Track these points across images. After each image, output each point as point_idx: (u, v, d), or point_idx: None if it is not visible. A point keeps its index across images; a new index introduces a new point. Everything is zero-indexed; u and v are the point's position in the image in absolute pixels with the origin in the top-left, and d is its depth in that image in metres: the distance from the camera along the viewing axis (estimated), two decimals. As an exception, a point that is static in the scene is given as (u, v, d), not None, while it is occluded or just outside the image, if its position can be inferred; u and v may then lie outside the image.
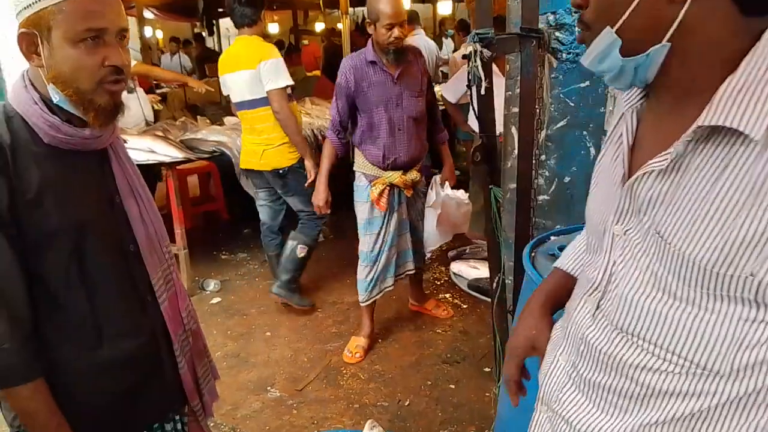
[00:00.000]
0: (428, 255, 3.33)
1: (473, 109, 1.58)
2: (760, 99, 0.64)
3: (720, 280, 0.67)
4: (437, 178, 3.16)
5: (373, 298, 3.12)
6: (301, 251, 3.48)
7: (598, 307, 0.84)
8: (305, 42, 11.06)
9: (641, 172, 0.75)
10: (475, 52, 1.50)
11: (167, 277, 1.34)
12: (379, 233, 3.02)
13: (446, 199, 3.13)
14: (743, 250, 0.64)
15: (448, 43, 8.35)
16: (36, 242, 1.08)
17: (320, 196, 3.01)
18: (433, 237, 3.19)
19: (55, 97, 1.09)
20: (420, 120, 2.90)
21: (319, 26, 10.96)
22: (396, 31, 2.62)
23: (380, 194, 2.95)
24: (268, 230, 3.69)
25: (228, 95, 3.46)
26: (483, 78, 1.50)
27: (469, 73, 1.53)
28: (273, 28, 11.39)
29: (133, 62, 4.28)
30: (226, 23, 7.75)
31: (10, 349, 1.06)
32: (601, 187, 0.88)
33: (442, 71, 6.15)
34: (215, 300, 3.84)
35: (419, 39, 5.28)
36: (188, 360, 1.41)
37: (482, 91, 1.52)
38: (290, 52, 8.83)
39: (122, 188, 1.24)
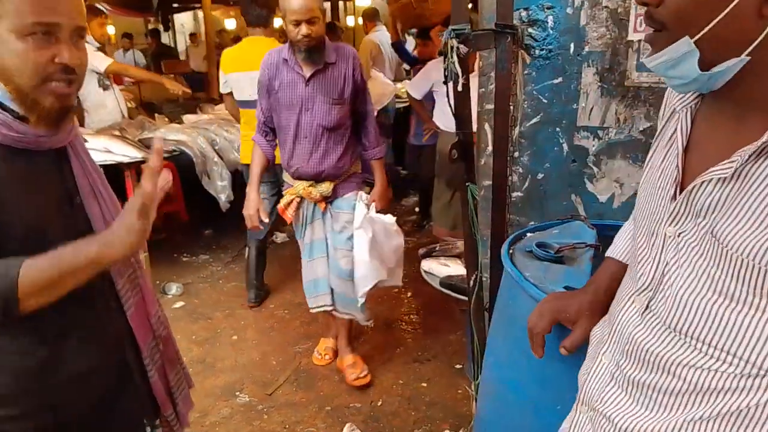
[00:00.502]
0: (361, 299, 2.70)
1: (450, 105, 1.56)
2: None
3: None
4: (363, 195, 2.69)
5: (319, 309, 2.80)
6: None
7: (647, 308, 0.85)
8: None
9: (701, 179, 0.75)
10: (452, 48, 1.48)
11: (134, 281, 1.28)
12: (303, 243, 2.77)
13: (373, 222, 2.64)
14: None
15: (411, 41, 8.35)
16: None
17: (249, 205, 2.67)
18: (366, 271, 2.63)
19: None
20: (336, 130, 2.55)
21: (278, 21, 10.80)
22: (304, 29, 2.34)
23: (287, 204, 2.68)
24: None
25: (229, 92, 3.48)
26: (460, 74, 1.48)
27: (445, 69, 1.51)
28: (230, 24, 11.18)
29: (109, 61, 4.13)
30: (181, 18, 7.55)
31: None
32: (652, 188, 0.88)
33: (405, 68, 6.15)
34: (178, 304, 3.73)
35: (380, 35, 5.26)
36: (159, 368, 1.35)
37: (459, 88, 1.50)
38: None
39: (83, 188, 1.17)
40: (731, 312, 0.73)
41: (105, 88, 4.16)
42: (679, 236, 0.79)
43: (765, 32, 0.66)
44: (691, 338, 0.77)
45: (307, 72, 2.49)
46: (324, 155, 2.57)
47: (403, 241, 2.78)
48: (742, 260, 0.70)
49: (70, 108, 1.10)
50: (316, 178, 2.60)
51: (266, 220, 2.74)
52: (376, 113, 5.01)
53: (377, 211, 2.69)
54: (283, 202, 2.69)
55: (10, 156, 1.03)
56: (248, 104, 3.32)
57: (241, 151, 3.59)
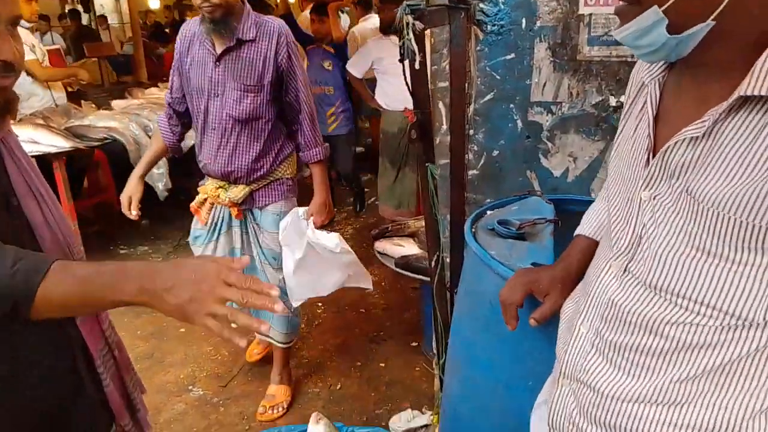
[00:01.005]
0: (295, 304, 2.40)
1: (407, 84, 1.53)
2: None
3: (755, 232, 0.70)
4: (300, 210, 2.29)
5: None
6: None
7: (625, 270, 0.87)
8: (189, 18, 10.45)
9: (675, 140, 0.78)
10: (407, 24, 1.44)
11: None
12: (202, 252, 2.43)
13: (312, 244, 2.20)
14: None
15: (345, 18, 8.21)
16: None
17: (124, 194, 2.32)
18: (293, 287, 2.32)
19: None
20: (250, 124, 2.15)
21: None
22: None
23: (199, 204, 2.37)
24: None
25: None
26: (417, 51, 1.45)
27: (401, 47, 1.47)
28: (154, 4, 10.65)
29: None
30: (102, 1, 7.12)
31: None
32: (625, 158, 0.90)
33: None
34: (119, 299, 3.56)
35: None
36: (113, 375, 1.26)
37: (417, 66, 1.47)
38: (175, 28, 8.30)
39: (19, 188, 1.06)
40: (709, 266, 0.75)
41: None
42: (654, 199, 0.81)
43: None
44: (672, 294, 0.79)
45: (219, 49, 2.08)
46: (234, 152, 2.17)
47: (355, 255, 2.36)
48: (718, 213, 0.72)
49: (13, 100, 0.99)
50: (227, 179, 2.24)
51: (135, 212, 2.34)
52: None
53: (317, 227, 2.26)
54: (195, 202, 2.38)
55: None
56: None
57: None
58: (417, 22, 1.45)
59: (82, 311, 0.92)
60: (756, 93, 0.69)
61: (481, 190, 1.92)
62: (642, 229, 0.84)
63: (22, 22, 4.02)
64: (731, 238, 0.72)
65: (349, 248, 2.30)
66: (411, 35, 1.45)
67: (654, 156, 0.82)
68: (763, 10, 0.69)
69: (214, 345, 3.05)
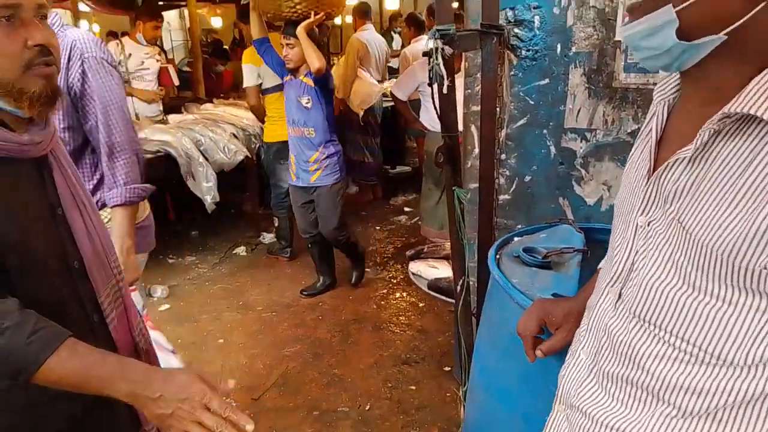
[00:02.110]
0: None
1: (435, 108, 1.53)
2: None
3: (737, 271, 0.67)
4: None
5: None
6: None
7: (620, 297, 0.85)
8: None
9: (668, 162, 0.76)
10: (437, 49, 1.45)
11: (116, 294, 1.24)
12: None
13: None
14: (758, 241, 0.65)
15: (397, 39, 8.33)
16: None
17: None
18: None
19: None
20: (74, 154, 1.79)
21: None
22: None
23: None
24: (283, 194, 4.07)
25: (256, 84, 3.94)
26: (445, 76, 1.45)
27: (430, 71, 1.48)
28: (216, 22, 11.07)
29: None
30: (167, 17, 7.46)
31: None
32: (629, 181, 0.89)
33: (390, 66, 6.11)
34: (164, 307, 3.67)
35: (369, 34, 5.21)
36: None
37: (444, 90, 1.47)
38: (235, 46, 8.60)
39: (65, 199, 1.12)
40: (693, 300, 0.72)
41: (123, 80, 4.21)
42: (649, 225, 0.79)
43: (748, 16, 0.65)
44: (656, 327, 0.77)
45: None
46: None
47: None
48: (705, 248, 0.69)
49: (58, 90, 1.05)
50: None
51: None
52: (362, 113, 5.07)
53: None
54: None
55: None
56: (277, 88, 3.83)
57: (266, 130, 4.11)
58: (446, 47, 1.46)
59: (73, 389, 0.98)
60: (740, 110, 0.66)
61: (512, 215, 1.89)
62: (635, 256, 0.82)
63: (141, 38, 4.39)
64: (717, 275, 0.69)
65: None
66: (440, 60, 1.46)
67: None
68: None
69: (249, 357, 3.10)
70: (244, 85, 4.02)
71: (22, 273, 1.02)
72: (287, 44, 3.24)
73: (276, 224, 4.27)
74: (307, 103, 3.34)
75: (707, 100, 0.73)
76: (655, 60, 0.74)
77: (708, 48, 0.69)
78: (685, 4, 0.67)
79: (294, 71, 3.34)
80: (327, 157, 3.46)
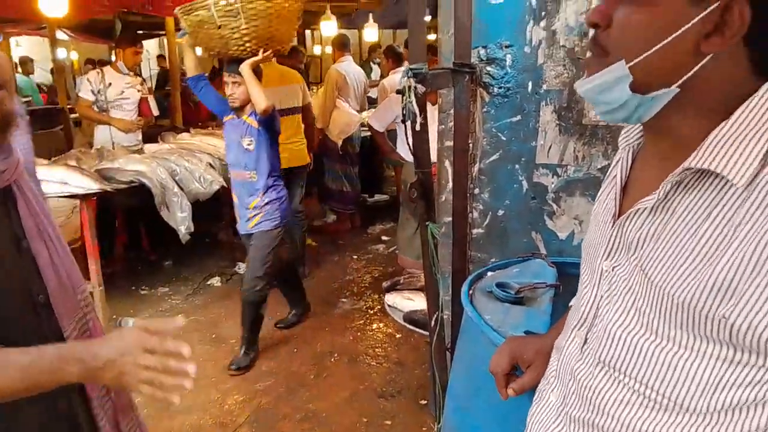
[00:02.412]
0: None
1: (408, 145, 1.54)
2: (747, 147, 0.65)
3: (697, 319, 0.68)
4: None
5: None
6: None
7: (585, 341, 0.85)
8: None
9: (630, 210, 0.77)
10: (409, 87, 1.46)
11: (83, 327, 1.20)
12: None
13: None
14: (716, 292, 0.65)
15: (376, 69, 8.44)
16: None
17: None
18: None
19: None
20: None
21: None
22: None
23: None
24: None
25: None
26: (418, 113, 1.47)
27: (403, 108, 1.49)
28: (198, 51, 11.09)
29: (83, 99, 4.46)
30: (146, 45, 7.46)
31: None
32: (596, 224, 0.90)
33: (369, 96, 6.17)
34: (135, 340, 3.59)
35: (347, 65, 5.28)
36: (110, 419, 1.26)
37: (417, 127, 1.49)
38: (214, 75, 8.60)
39: (29, 230, 1.10)
40: (656, 347, 0.73)
41: (102, 109, 4.45)
42: (613, 270, 0.80)
43: (697, 67, 0.67)
44: (620, 372, 0.77)
45: None
46: None
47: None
48: (666, 295, 0.70)
49: (10, 114, 1.02)
50: None
51: None
52: (341, 142, 5.10)
53: None
54: None
55: None
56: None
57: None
58: (419, 86, 1.48)
59: (28, 393, 0.97)
60: (698, 166, 0.67)
61: (485, 249, 1.90)
62: (600, 300, 0.82)
63: (122, 66, 4.41)
64: (679, 322, 0.70)
65: None
66: (413, 98, 1.48)
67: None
68: (727, 85, 0.68)
69: (222, 392, 3.03)
70: None
71: None
72: (233, 82, 3.00)
73: None
74: (249, 144, 3.08)
75: (668, 151, 0.75)
76: (612, 114, 0.75)
77: (663, 100, 0.70)
78: (637, 59, 0.69)
79: (238, 110, 3.09)
80: (268, 203, 3.17)
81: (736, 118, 0.67)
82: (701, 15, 0.65)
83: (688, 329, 0.69)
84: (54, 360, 0.97)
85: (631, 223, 0.77)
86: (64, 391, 1.14)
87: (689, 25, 0.65)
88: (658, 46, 0.67)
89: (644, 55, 0.68)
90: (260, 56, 2.92)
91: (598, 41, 0.74)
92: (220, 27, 2.76)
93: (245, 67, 2.89)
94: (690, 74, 0.67)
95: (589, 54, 0.76)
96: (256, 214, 3.17)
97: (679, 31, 0.66)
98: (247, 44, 2.85)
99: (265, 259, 3.21)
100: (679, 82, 0.68)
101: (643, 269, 0.73)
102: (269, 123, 3.06)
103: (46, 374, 0.96)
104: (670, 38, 0.66)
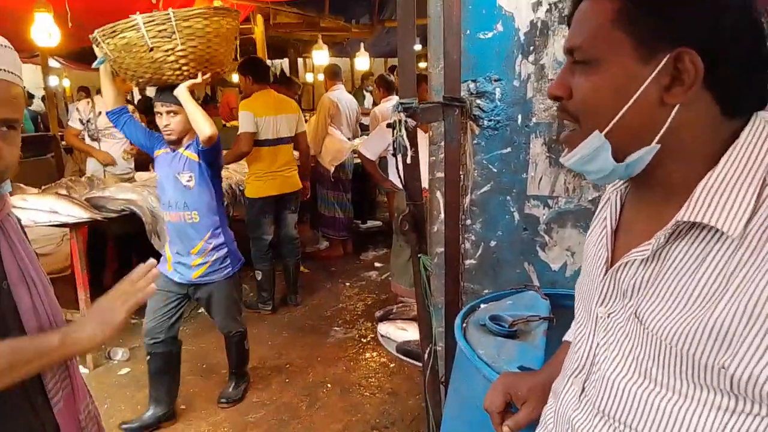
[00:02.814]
0: None
1: (399, 177, 1.55)
2: (738, 197, 0.65)
3: (697, 368, 0.67)
4: None
5: None
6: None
7: (583, 390, 0.84)
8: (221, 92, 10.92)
9: (623, 260, 0.77)
10: (400, 121, 1.47)
11: (62, 374, 1.18)
12: None
13: None
14: (713, 340, 0.65)
15: (369, 97, 8.52)
16: None
17: None
18: None
19: None
20: None
21: (237, 77, 10.86)
22: None
23: None
24: (266, 248, 4.21)
25: (251, 132, 4.02)
26: (408, 147, 1.47)
27: (394, 141, 1.50)
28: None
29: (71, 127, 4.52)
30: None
31: None
32: (588, 267, 0.90)
33: (361, 123, 6.22)
34: (124, 371, 3.54)
35: (339, 93, 5.32)
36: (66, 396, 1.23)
37: (408, 160, 1.49)
38: (207, 102, 8.67)
39: (11, 273, 1.08)
40: (655, 396, 0.72)
41: (93, 138, 4.49)
42: (609, 317, 0.80)
43: (670, 119, 0.68)
44: (620, 423, 0.76)
45: None
46: None
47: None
48: (663, 343, 0.69)
49: (5, 171, 1.03)
50: None
51: None
52: (333, 169, 5.12)
53: None
54: None
55: None
56: (270, 142, 4.10)
57: (251, 186, 4.15)
58: (409, 120, 1.49)
59: (10, 377, 1.03)
60: (691, 219, 0.68)
61: (478, 280, 1.90)
62: (596, 348, 0.82)
63: None
64: (678, 370, 0.69)
65: None
66: (403, 131, 1.49)
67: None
68: (705, 129, 0.69)
69: (212, 425, 2.98)
70: (240, 131, 4.06)
71: None
72: (167, 112, 2.58)
73: (258, 278, 4.26)
74: (188, 181, 2.67)
75: (658, 198, 0.75)
76: (603, 179, 0.77)
77: (646, 159, 0.71)
78: (609, 127, 0.70)
79: (175, 143, 2.67)
80: (215, 248, 2.75)
81: (722, 167, 0.68)
82: (654, 72, 0.67)
83: (687, 378, 0.69)
84: (34, 336, 1.07)
85: (624, 272, 0.77)
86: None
87: (647, 83, 0.67)
88: (624, 109, 0.69)
89: (614, 120, 0.70)
90: (200, 79, 2.58)
91: (566, 109, 0.76)
92: (152, 50, 2.39)
93: (182, 91, 2.53)
94: (665, 128, 0.68)
95: (564, 132, 0.78)
96: (202, 262, 2.74)
97: (639, 91, 0.68)
98: (184, 68, 2.49)
99: (234, 304, 2.98)
100: (657, 138, 0.69)
101: (639, 317, 0.73)
102: (212, 155, 2.68)
103: (29, 349, 1.05)
104: (632, 100, 0.68)
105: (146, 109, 8.18)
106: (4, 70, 0.98)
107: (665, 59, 0.66)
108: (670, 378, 0.70)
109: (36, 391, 1.12)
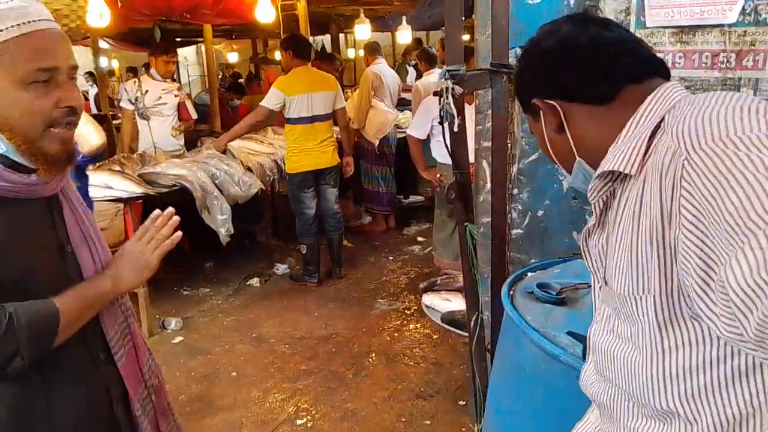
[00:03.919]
0: None
1: (446, 146, 1.55)
2: (632, 144, 0.79)
3: (633, 303, 0.77)
4: None
5: None
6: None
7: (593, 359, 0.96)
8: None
9: (584, 229, 0.93)
10: (447, 89, 1.47)
11: (124, 331, 1.25)
12: None
13: None
14: (634, 272, 0.76)
15: (412, 72, 8.44)
16: None
17: None
18: None
19: (1, 147, 1.00)
20: None
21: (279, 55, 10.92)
22: None
23: None
24: (310, 221, 4.31)
25: (277, 110, 4.19)
26: (455, 115, 1.47)
27: (441, 109, 1.50)
28: (232, 57, 11.32)
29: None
30: (184, 52, 7.65)
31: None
32: None
33: (404, 98, 6.19)
34: (177, 339, 3.68)
35: (381, 66, 5.30)
36: (151, 420, 1.30)
37: (455, 128, 1.49)
38: (251, 80, 8.76)
39: (74, 236, 1.15)
40: (622, 351, 0.82)
41: (142, 116, 4.61)
42: (600, 289, 0.91)
43: (570, 139, 0.89)
44: (609, 381, 0.87)
45: None
46: None
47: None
48: (619, 296, 0.80)
49: (73, 153, 1.09)
50: None
51: None
52: (377, 142, 5.13)
53: None
54: None
55: (1, 205, 1.02)
56: (306, 120, 4.12)
57: (289, 161, 4.25)
58: (456, 87, 1.48)
59: (83, 319, 1.12)
60: (599, 170, 0.82)
61: (525, 249, 1.89)
62: (596, 314, 0.93)
63: (155, 74, 4.54)
64: (630, 317, 0.78)
65: None
66: (450, 99, 1.48)
67: None
68: (597, 124, 0.85)
69: (262, 391, 3.08)
70: (261, 103, 4.17)
71: None
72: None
73: (303, 251, 4.35)
74: None
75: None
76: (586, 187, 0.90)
77: (582, 167, 0.90)
78: (556, 157, 0.94)
79: None
80: None
81: (625, 131, 0.82)
82: (544, 124, 0.91)
83: (634, 318, 0.78)
84: (90, 281, 1.15)
85: (589, 243, 0.91)
86: (104, 390, 1.18)
87: (545, 130, 0.92)
88: (547, 145, 0.94)
89: (549, 152, 0.95)
90: None
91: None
92: None
93: None
94: (572, 144, 0.88)
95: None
96: None
97: (545, 136, 0.92)
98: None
99: None
100: (575, 152, 0.89)
101: (606, 281, 0.85)
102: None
103: (92, 291, 1.14)
104: (546, 141, 0.93)
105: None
106: (54, 23, 1.03)
107: (542, 116, 0.91)
108: (627, 328, 0.80)
109: (99, 347, 1.19)
